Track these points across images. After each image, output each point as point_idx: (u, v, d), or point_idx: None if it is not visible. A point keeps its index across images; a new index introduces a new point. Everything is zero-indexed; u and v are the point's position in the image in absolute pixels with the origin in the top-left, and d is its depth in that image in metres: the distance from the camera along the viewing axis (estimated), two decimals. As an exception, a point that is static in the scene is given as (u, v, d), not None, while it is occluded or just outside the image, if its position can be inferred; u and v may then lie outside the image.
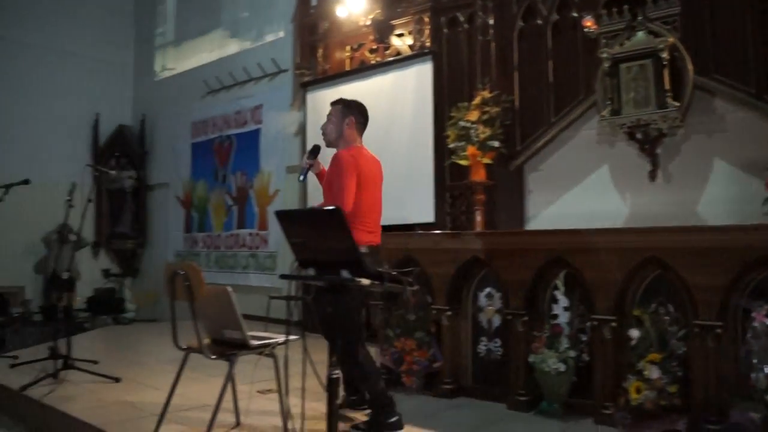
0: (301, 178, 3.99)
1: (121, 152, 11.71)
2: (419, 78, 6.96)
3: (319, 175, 4.05)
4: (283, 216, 2.59)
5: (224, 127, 10.00)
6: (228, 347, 3.32)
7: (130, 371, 5.25)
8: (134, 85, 12.36)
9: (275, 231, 8.83)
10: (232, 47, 10.29)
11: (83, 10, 11.51)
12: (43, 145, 10.78)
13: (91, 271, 10.87)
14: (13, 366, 5.25)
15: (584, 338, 3.96)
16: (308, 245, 2.45)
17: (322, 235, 2.37)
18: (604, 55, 5.06)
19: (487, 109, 5.73)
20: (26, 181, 5.65)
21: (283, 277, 2.60)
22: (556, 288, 4.09)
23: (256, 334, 3.37)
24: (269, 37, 9.66)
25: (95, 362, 5.22)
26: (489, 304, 4.44)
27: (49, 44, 11.05)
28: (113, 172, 10.00)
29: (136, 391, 4.59)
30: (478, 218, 5.75)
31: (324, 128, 4.00)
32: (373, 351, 4.82)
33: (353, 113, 3.98)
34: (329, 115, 4.01)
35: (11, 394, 4.59)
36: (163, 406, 3.52)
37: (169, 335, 3.53)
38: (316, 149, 3.96)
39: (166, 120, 11.34)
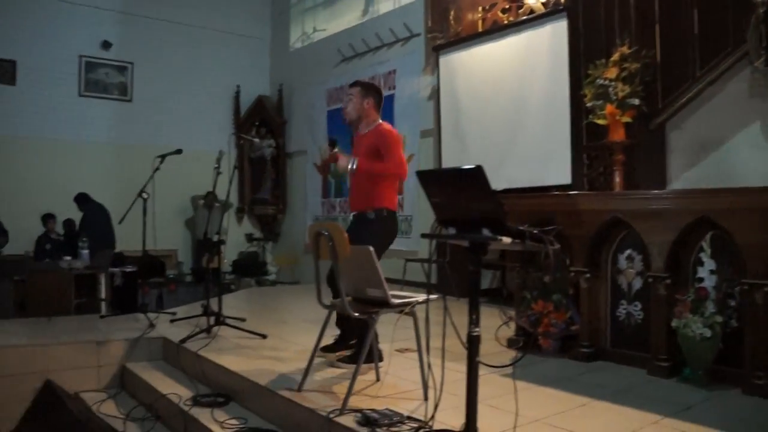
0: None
1: (261, 122, 12.28)
2: (554, 36, 6.79)
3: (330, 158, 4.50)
4: (424, 176, 2.65)
5: (358, 94, 10.19)
6: (369, 305, 3.46)
7: (275, 328, 5.56)
8: (271, 57, 12.85)
9: (410, 195, 8.97)
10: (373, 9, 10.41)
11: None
12: (191, 117, 11.55)
13: (235, 236, 11.52)
14: (172, 321, 5.72)
15: (732, 303, 3.79)
16: (449, 204, 2.49)
17: (463, 193, 2.40)
18: (759, 0, 4.72)
19: (626, 65, 5.51)
20: (179, 151, 6.05)
21: (424, 236, 2.65)
22: (701, 250, 3.93)
23: (397, 293, 3.48)
24: (401, 2, 9.71)
25: (243, 320, 5.57)
26: (629, 266, 4.32)
27: (192, 22, 11.75)
28: (257, 140, 10.53)
29: (282, 347, 4.85)
30: (617, 179, 5.57)
31: (345, 108, 4.45)
32: (510, 313, 4.87)
33: (371, 94, 4.41)
34: (349, 96, 4.41)
35: (172, 345, 5.00)
36: (309, 361, 3.73)
37: (310, 296, 3.71)
38: (333, 142, 4.52)
39: (302, 89, 11.72)
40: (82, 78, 10.99)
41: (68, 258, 7.20)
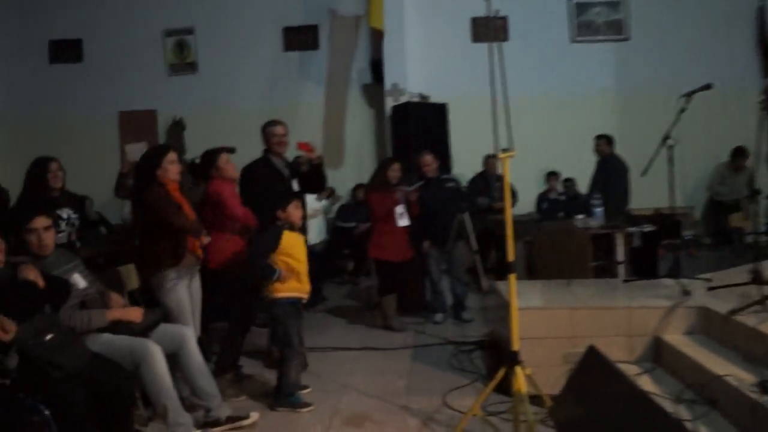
0: None
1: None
2: None
3: None
4: None
5: None
6: None
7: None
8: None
9: None
10: None
11: None
12: (703, 48, 10.08)
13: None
14: (710, 289, 4.85)
15: None
16: None
17: None
18: None
19: None
20: (707, 86, 4.77)
21: None
22: None
23: None
24: None
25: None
26: None
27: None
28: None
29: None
30: None
31: None
32: None
33: None
34: None
35: (717, 317, 4.22)
36: None
37: None
38: None
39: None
40: (574, 23, 10.50)
41: (581, 216, 6.86)
